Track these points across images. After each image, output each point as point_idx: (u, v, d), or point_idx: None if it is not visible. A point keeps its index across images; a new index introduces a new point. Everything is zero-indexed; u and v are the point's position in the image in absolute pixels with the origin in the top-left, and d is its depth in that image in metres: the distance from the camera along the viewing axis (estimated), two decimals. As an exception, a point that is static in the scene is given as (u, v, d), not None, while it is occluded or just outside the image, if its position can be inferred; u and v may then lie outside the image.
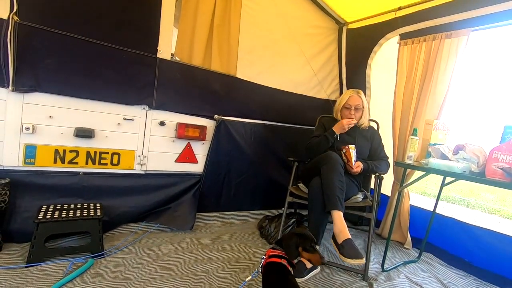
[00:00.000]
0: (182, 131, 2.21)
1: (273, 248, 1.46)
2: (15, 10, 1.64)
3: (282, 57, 2.75)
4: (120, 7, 1.96)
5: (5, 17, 1.63)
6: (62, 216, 1.64)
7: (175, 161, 2.28)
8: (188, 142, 2.31)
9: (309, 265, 1.73)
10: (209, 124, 2.37)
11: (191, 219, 2.23)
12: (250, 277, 1.50)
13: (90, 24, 1.88)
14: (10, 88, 1.68)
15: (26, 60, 1.70)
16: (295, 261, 1.46)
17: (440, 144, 1.79)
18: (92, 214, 1.73)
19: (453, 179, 1.78)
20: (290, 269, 1.38)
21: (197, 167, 2.39)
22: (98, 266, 1.60)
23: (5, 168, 1.73)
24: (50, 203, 1.80)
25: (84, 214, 1.71)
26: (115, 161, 2.04)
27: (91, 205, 1.85)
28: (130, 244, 1.90)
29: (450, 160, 1.61)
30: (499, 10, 1.85)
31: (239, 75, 2.48)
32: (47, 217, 1.60)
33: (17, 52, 1.67)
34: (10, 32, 1.63)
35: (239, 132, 2.51)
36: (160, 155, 2.21)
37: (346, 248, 1.56)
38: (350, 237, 1.61)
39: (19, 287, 1.35)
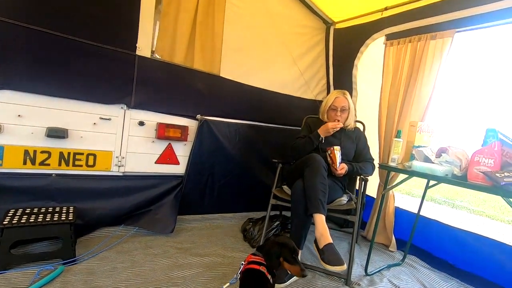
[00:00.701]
0: (162, 131, 2.14)
1: (253, 254, 1.42)
2: (-21, 2, 1.55)
3: (268, 56, 2.70)
4: (96, 0, 1.87)
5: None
6: (30, 221, 1.55)
7: (155, 162, 2.21)
8: (169, 143, 2.24)
9: (290, 270, 1.68)
10: (191, 124, 2.30)
11: (172, 222, 2.16)
12: (228, 284, 1.45)
13: (63, 18, 1.78)
14: (-26, 85, 1.58)
15: (-8, 56, 1.61)
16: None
17: (424, 147, 1.77)
18: (64, 218, 1.65)
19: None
20: (269, 276, 1.34)
21: (179, 169, 2.32)
22: (68, 274, 1.52)
23: (-30, 169, 1.64)
24: (20, 207, 1.71)
25: (55, 219, 1.62)
26: (90, 163, 1.95)
27: (64, 209, 1.77)
28: (106, 249, 1.82)
29: (433, 163, 1.59)
30: (483, 12, 1.84)
31: (223, 74, 2.42)
32: (13, 222, 1.51)
33: (-17, 47, 1.57)
34: (-25, 26, 1.54)
35: (223, 132, 2.45)
36: (139, 156, 2.13)
37: (326, 254, 1.51)
38: (331, 241, 1.56)
39: (-22, 298, 1.26)
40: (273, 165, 2.26)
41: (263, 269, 1.34)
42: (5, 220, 1.51)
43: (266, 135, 2.72)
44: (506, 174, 1.23)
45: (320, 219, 1.62)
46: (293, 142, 2.18)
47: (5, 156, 1.70)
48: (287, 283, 1.67)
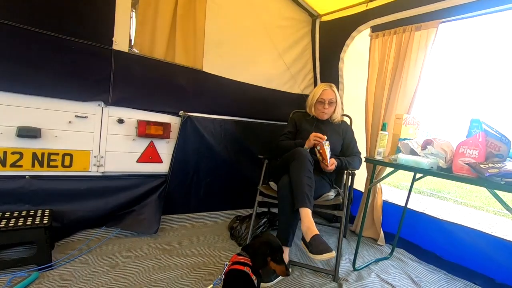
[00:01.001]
0: (143, 129, 2.06)
1: (239, 254, 1.38)
2: None
3: (253, 50, 2.63)
4: (69, -8, 1.78)
5: None
6: (0, 226, 1.47)
7: (137, 161, 2.13)
8: (151, 141, 2.16)
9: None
10: (173, 121, 2.22)
11: (156, 222, 2.09)
12: (212, 285, 1.41)
13: (33, 11, 1.68)
14: None
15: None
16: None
17: (409, 139, 1.75)
18: (38, 222, 1.56)
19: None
20: (253, 277, 1.30)
21: (162, 167, 2.24)
22: (43, 280, 1.45)
23: None
24: (-9, 211, 1.61)
25: (28, 223, 1.53)
26: (66, 163, 1.86)
27: (38, 212, 1.68)
28: (85, 253, 1.74)
29: (418, 155, 1.57)
30: (466, 2, 1.81)
31: (206, 69, 2.34)
32: (-18, 227, 1.42)
33: None
34: None
35: (208, 129, 2.38)
36: (119, 155, 2.05)
37: (314, 245, 1.47)
38: (317, 232, 1.52)
39: None
40: (260, 161, 2.22)
41: (247, 269, 1.30)
42: (-27, 226, 1.43)
43: (252, 130, 2.66)
44: (490, 165, 1.21)
45: (306, 213, 1.59)
46: (278, 139, 2.14)
47: (-28, 158, 1.60)
48: (274, 281, 1.64)
